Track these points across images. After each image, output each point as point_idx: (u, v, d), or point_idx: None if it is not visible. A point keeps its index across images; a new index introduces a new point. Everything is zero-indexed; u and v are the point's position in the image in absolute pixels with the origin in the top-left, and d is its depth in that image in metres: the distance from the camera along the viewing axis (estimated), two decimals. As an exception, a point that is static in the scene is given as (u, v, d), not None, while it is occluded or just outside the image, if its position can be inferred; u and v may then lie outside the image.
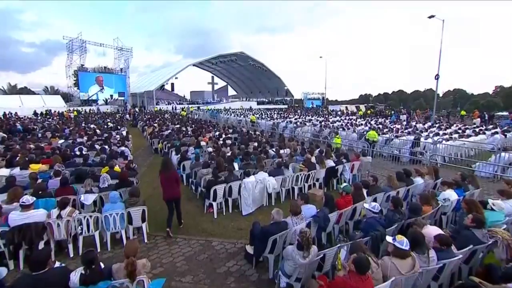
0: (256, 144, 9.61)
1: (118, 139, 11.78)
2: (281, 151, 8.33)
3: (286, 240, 3.68)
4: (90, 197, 4.68)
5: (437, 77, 27.14)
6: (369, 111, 34.11)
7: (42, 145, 9.34)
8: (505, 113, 30.60)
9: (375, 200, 4.90)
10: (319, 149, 8.33)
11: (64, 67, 36.02)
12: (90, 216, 4.00)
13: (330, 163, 7.10)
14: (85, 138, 11.26)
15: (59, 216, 3.76)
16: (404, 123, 20.34)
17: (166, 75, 44.18)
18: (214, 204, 5.45)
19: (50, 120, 22.50)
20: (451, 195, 4.58)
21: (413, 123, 19.45)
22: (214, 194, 5.37)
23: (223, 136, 11.74)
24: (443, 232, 3.14)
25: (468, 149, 11.03)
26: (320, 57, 47.16)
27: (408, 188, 5.39)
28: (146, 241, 4.58)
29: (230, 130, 14.16)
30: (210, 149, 8.39)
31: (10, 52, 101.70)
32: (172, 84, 46.19)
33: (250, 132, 13.39)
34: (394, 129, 14.97)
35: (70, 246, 4.00)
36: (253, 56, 50.84)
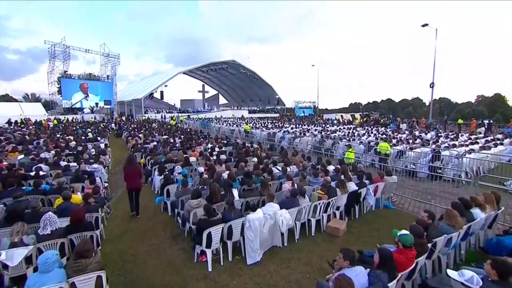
0: (255, 159, 8.15)
1: (93, 153, 10.08)
2: (288, 169, 6.90)
3: None
4: (17, 254, 3.06)
5: (432, 85, 26.84)
6: (364, 120, 33.30)
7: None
8: (485, 121, 30.42)
9: (434, 246, 3.51)
10: (334, 168, 6.90)
11: (46, 73, 33.93)
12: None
13: (352, 186, 5.69)
14: (53, 152, 9.46)
15: None
16: (407, 132, 19.34)
17: (155, 83, 42.52)
18: (208, 251, 3.90)
19: (24, 129, 20.31)
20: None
21: (416, 133, 18.50)
22: (208, 238, 3.83)
23: (216, 149, 10.22)
24: None
25: (488, 162, 9.97)
26: (312, 65, 47.14)
27: (470, 225, 4.03)
28: (103, 321, 2.99)
29: (224, 142, 12.67)
30: (202, 169, 6.81)
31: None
32: (162, 92, 44.46)
33: (247, 144, 11.90)
34: (403, 139, 13.79)
35: None
36: (244, 65, 49.91)
